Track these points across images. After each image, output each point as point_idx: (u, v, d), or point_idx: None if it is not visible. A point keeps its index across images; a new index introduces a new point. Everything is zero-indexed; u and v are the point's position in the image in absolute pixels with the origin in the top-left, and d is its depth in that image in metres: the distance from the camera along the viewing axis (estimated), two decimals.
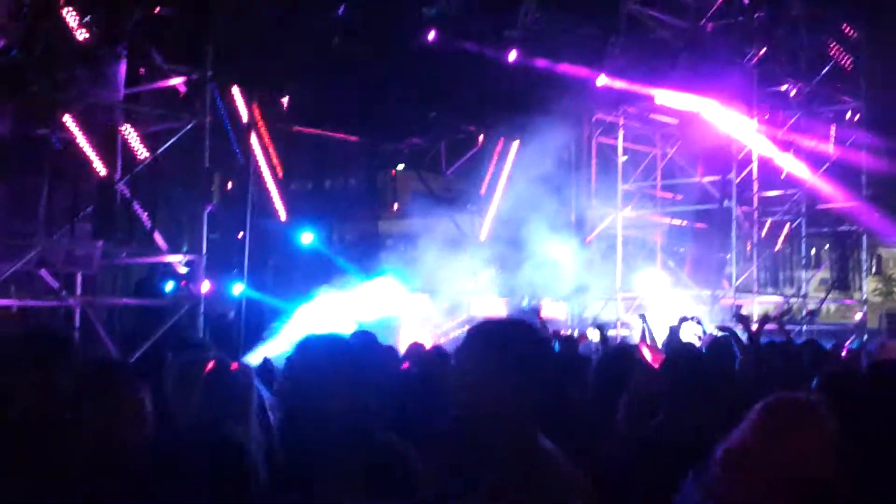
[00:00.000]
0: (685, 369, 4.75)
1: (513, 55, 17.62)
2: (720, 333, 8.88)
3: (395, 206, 20.90)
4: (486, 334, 2.80)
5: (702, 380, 4.63)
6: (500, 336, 2.78)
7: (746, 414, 3.04)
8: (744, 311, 20.56)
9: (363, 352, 3.48)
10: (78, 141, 12.12)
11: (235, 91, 15.38)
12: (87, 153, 12.09)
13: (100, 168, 12.16)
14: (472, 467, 2.86)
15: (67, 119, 11.94)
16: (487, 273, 18.88)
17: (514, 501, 2.59)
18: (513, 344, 2.73)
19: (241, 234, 15.27)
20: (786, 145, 20.63)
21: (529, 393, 2.69)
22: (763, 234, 21.87)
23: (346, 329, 8.39)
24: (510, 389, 2.65)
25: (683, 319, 9.52)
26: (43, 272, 12.90)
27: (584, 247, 20.24)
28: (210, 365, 4.24)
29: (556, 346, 8.86)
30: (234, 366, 4.40)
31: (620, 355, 6.85)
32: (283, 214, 17.55)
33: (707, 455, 3.08)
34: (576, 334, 16.89)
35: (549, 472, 2.64)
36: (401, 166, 21.11)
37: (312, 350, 3.23)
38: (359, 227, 20.73)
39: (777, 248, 22.82)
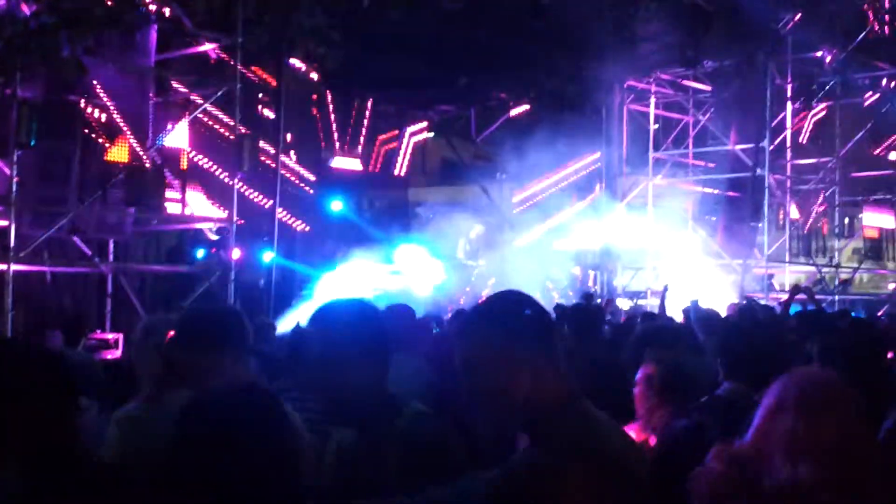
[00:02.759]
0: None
1: (544, 21, 17.37)
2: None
3: (425, 173, 20.79)
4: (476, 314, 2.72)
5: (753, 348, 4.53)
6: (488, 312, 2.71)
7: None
8: (775, 282, 20.62)
9: (390, 320, 3.33)
10: (109, 106, 12.07)
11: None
12: (119, 119, 12.03)
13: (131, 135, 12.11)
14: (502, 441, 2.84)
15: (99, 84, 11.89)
16: (477, 230, 18.60)
17: (567, 469, 2.47)
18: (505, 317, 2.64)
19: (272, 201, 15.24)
20: (821, 112, 20.34)
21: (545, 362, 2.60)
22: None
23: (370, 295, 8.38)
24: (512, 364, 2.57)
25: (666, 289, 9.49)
26: (75, 239, 12.92)
27: (613, 213, 20.11)
28: None
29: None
30: None
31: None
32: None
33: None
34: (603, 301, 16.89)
35: (599, 440, 2.55)
36: (430, 133, 20.96)
37: (331, 316, 3.07)
38: (388, 195, 20.65)
39: (810, 218, 22.53)
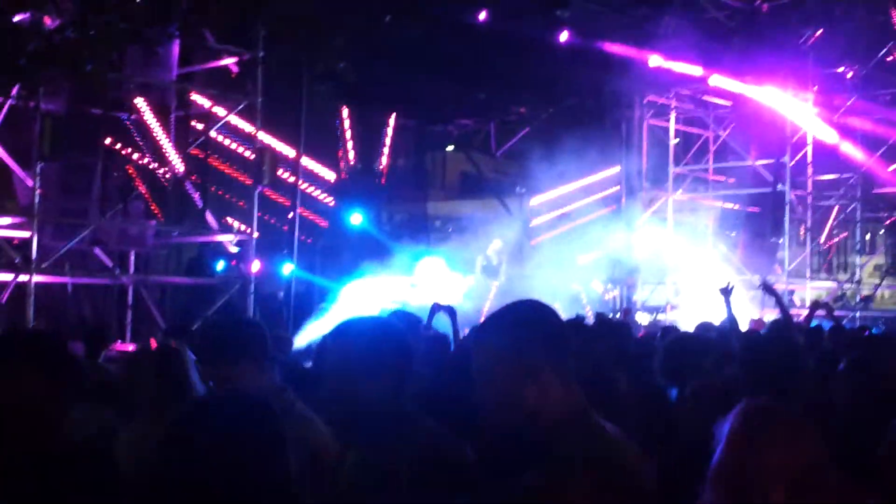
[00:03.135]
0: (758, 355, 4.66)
1: (564, 35, 17.42)
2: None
3: (444, 187, 20.81)
4: (494, 320, 2.70)
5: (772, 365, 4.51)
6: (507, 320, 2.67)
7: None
8: (795, 298, 20.51)
9: (406, 335, 3.33)
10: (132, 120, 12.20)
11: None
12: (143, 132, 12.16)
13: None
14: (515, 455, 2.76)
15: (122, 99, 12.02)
16: (494, 246, 18.48)
17: (573, 485, 2.44)
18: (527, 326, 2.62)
19: (291, 214, 15.33)
20: (841, 128, 20.23)
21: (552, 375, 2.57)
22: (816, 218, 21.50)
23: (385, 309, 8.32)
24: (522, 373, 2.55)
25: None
26: (97, 250, 13.03)
27: (634, 230, 20.09)
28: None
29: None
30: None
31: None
32: None
33: None
34: (618, 316, 16.84)
35: (606, 455, 2.51)
36: (450, 147, 21.00)
37: (350, 334, 3.05)
38: (408, 209, 20.68)
39: (829, 233, 22.40)
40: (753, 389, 4.34)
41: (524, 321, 2.62)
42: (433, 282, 17.06)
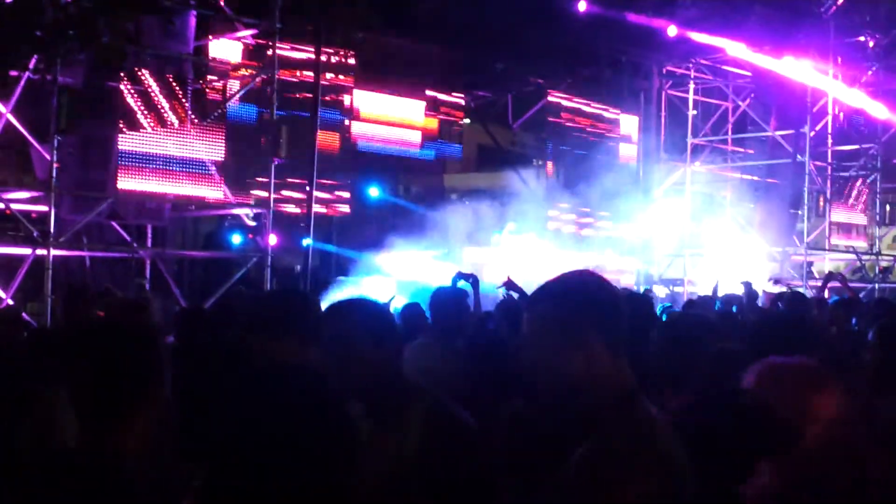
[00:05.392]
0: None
1: (583, 5, 17.24)
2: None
3: (461, 159, 20.66)
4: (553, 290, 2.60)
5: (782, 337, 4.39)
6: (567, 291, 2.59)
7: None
8: (814, 269, 20.38)
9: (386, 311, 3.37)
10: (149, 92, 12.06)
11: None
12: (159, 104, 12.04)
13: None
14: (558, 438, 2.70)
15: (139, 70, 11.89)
16: (510, 226, 18.36)
17: (609, 474, 2.37)
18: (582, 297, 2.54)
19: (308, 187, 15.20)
20: (862, 98, 20.01)
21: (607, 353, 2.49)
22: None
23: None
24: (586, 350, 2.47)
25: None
26: (114, 224, 12.98)
27: (651, 201, 19.95)
28: None
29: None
30: None
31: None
32: None
33: None
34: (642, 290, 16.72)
35: (649, 441, 2.41)
36: (467, 120, 20.83)
37: (342, 313, 3.13)
38: (424, 181, 20.57)
39: (850, 204, 22.20)
40: None
41: (576, 292, 2.55)
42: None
